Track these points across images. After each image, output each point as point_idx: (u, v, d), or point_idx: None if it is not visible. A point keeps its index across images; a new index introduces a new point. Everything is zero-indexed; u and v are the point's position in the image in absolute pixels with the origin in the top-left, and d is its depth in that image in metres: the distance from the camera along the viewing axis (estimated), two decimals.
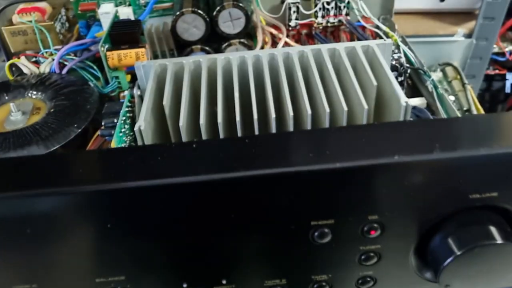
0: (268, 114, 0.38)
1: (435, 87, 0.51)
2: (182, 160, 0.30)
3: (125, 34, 0.51)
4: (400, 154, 0.29)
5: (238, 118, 0.38)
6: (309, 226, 0.31)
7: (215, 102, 0.40)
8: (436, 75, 0.69)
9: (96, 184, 0.28)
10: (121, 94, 0.53)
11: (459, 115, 0.47)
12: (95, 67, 0.54)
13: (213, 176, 0.28)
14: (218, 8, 0.53)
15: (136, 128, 0.37)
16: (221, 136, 0.38)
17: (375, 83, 0.40)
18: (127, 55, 0.50)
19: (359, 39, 0.60)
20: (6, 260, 0.32)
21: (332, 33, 0.65)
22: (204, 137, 0.38)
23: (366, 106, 0.38)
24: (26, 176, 0.30)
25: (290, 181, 0.30)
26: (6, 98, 0.50)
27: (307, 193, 0.30)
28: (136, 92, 0.46)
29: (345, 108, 0.38)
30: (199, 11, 0.53)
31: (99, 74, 0.54)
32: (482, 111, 0.60)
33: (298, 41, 0.65)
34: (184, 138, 0.38)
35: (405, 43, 0.59)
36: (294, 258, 0.33)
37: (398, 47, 0.56)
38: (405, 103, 0.37)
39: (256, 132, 0.38)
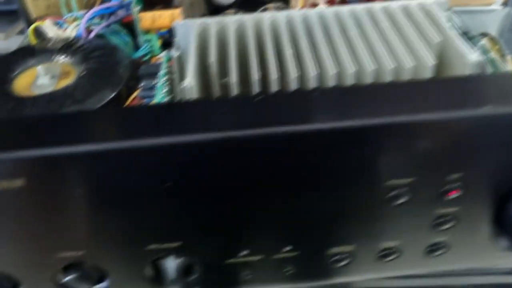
0: (327, 71, 0.36)
1: (486, 51, 0.48)
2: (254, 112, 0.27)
3: None
4: (493, 104, 0.26)
5: (293, 75, 0.35)
6: (386, 186, 0.29)
7: (265, 61, 0.38)
8: None
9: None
10: (153, 59, 0.50)
11: None
12: (123, 32, 0.51)
13: (300, 127, 0.26)
14: None
15: (184, 85, 0.35)
16: None
17: (438, 39, 0.37)
18: (161, 16, 0.47)
19: None
20: (53, 223, 0.29)
21: None
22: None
23: (432, 62, 0.35)
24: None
25: (373, 134, 0.27)
26: (32, 62, 0.47)
27: (388, 148, 0.27)
28: (175, 53, 0.43)
29: (411, 64, 0.35)
30: None
31: (128, 39, 0.51)
32: None
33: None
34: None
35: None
36: (365, 222, 0.31)
37: None
38: (474, 58, 0.34)
39: None
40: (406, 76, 0.35)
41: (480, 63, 0.35)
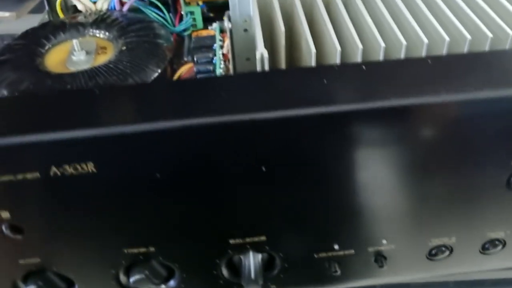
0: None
1: None
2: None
3: None
4: None
5: (382, 44, 0.30)
6: (509, 167, 0.25)
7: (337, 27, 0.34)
8: None
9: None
10: (194, 33, 0.45)
11: None
12: (160, 5, 0.46)
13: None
14: None
15: (258, 56, 0.30)
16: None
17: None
18: None
19: None
20: (122, 215, 0.25)
21: None
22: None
23: (490, 34, 0.31)
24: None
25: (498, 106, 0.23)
26: (63, 37, 0.43)
27: None
28: (228, 25, 0.38)
29: (468, 37, 0.31)
30: None
31: (164, 14, 0.47)
32: None
33: None
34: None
35: None
36: (475, 209, 0.27)
37: None
38: None
39: None
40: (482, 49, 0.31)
41: None
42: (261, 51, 0.31)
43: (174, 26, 0.47)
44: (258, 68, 0.31)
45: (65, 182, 0.23)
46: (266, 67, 0.31)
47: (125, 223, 0.25)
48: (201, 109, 0.22)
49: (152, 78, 0.37)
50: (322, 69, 0.25)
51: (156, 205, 0.24)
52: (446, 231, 0.28)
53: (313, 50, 0.30)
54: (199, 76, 0.36)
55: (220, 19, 0.43)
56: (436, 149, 0.24)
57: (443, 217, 0.27)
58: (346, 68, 0.25)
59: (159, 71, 0.38)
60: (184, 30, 0.45)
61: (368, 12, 0.34)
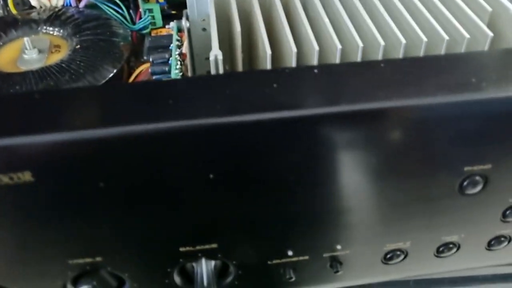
0: (372, 43, 0.31)
1: None
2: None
3: None
4: None
5: (338, 45, 0.30)
6: (461, 173, 0.25)
7: (295, 28, 0.33)
8: None
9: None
10: (153, 32, 0.44)
11: None
12: (119, 3, 0.45)
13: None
14: None
15: (212, 58, 0.29)
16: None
17: (489, 9, 0.33)
18: None
19: None
20: (65, 226, 0.24)
21: None
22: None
23: (490, 34, 0.31)
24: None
25: (456, 112, 0.23)
26: (14, 34, 0.41)
27: (470, 129, 0.23)
28: (186, 24, 0.37)
29: (467, 36, 0.31)
30: None
31: (124, 12, 0.45)
32: None
33: None
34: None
35: None
36: (429, 215, 0.27)
37: None
38: None
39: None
40: (458, 50, 0.31)
41: None
42: (215, 52, 0.30)
43: (133, 24, 0.45)
44: (212, 70, 0.30)
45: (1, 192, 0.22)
46: (221, 69, 0.30)
47: (68, 234, 0.24)
48: (144, 115, 0.21)
49: (107, 78, 0.36)
50: (274, 73, 0.25)
51: (101, 214, 0.23)
52: (401, 236, 0.28)
53: (268, 52, 0.30)
54: (154, 77, 0.35)
55: (182, 16, 0.42)
56: (389, 155, 0.24)
57: (398, 222, 0.27)
58: (298, 72, 0.25)
59: (115, 71, 0.37)
60: (143, 28, 0.43)
61: (326, 12, 0.34)
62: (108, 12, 0.44)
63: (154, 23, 0.43)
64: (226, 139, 0.22)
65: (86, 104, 0.23)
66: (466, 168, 0.25)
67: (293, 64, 0.30)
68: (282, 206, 0.25)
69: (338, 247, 0.27)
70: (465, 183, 0.25)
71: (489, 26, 0.34)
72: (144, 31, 0.44)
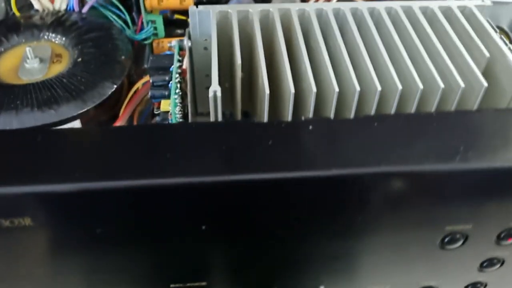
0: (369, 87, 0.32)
1: None
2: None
3: None
4: None
5: (336, 90, 0.31)
6: (443, 231, 0.26)
7: (295, 60, 0.33)
8: None
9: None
10: (155, 41, 0.44)
11: None
12: (121, 7, 0.45)
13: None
14: None
15: (211, 95, 0.30)
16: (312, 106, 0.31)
17: (487, 54, 0.34)
18: None
19: None
20: (61, 266, 0.25)
21: None
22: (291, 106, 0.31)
23: (485, 84, 0.32)
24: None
25: (436, 180, 0.24)
26: (17, 39, 0.41)
27: (454, 193, 0.24)
28: (187, 43, 0.37)
29: (462, 86, 0.31)
30: None
31: (126, 16, 0.45)
32: None
33: None
34: (266, 112, 0.31)
35: None
36: (409, 264, 0.28)
37: None
38: None
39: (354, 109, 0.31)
40: (453, 97, 0.32)
41: None
42: (214, 88, 0.30)
43: (135, 30, 0.45)
44: (211, 106, 0.31)
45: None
46: (219, 105, 0.31)
47: (64, 274, 0.25)
48: (141, 170, 0.22)
49: (107, 95, 0.37)
50: (271, 127, 0.25)
51: (96, 256, 0.25)
52: (382, 280, 0.29)
53: (267, 91, 0.30)
54: (153, 100, 0.35)
55: (185, 23, 0.42)
56: (376, 213, 0.25)
57: (381, 268, 0.29)
58: (294, 128, 0.25)
59: (115, 87, 0.37)
60: (145, 39, 0.44)
61: (327, 45, 0.34)
62: (111, 18, 0.44)
63: (156, 34, 0.44)
64: (220, 196, 0.23)
65: (85, 153, 0.23)
66: (447, 227, 0.26)
67: (291, 103, 0.31)
68: (270, 252, 0.26)
69: (322, 287, 0.29)
70: (446, 240, 0.26)
71: (486, 70, 0.35)
72: (146, 42, 0.44)
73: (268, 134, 0.24)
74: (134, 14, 0.46)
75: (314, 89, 0.31)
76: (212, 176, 0.22)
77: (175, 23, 0.47)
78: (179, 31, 0.47)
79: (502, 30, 0.63)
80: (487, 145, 0.25)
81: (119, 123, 0.37)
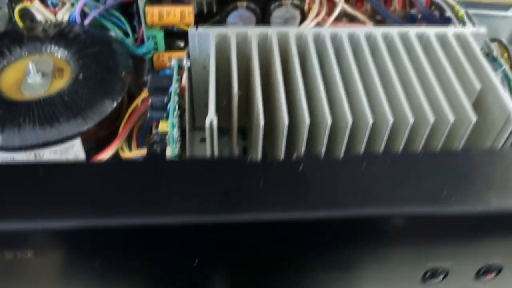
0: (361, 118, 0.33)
1: (509, 80, 0.46)
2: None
3: None
4: None
5: (329, 122, 0.31)
6: (424, 267, 0.27)
7: (292, 90, 0.34)
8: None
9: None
10: (155, 55, 0.45)
11: None
12: (122, 19, 0.46)
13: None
14: None
15: (207, 124, 0.31)
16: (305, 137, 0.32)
17: (478, 86, 0.35)
18: (170, 13, 0.42)
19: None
20: None
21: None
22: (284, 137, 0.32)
23: (474, 119, 0.32)
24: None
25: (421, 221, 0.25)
26: (20, 51, 0.42)
27: (437, 234, 0.26)
28: (186, 63, 0.38)
29: (452, 120, 0.32)
30: None
31: (126, 27, 0.46)
32: None
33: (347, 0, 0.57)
34: (260, 140, 0.32)
35: (469, 18, 0.53)
36: None
37: (463, 23, 0.51)
38: None
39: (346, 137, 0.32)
40: (443, 130, 0.33)
41: None
42: (210, 118, 0.31)
43: (136, 40, 0.46)
44: (207, 135, 0.32)
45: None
46: (215, 134, 0.32)
47: None
48: (137, 209, 0.23)
49: (108, 112, 0.38)
50: (263, 167, 0.26)
51: (95, 286, 0.26)
52: None
53: (261, 123, 0.31)
54: (152, 120, 0.36)
55: (186, 34, 0.42)
56: (361, 251, 0.26)
57: None
58: (285, 168, 0.26)
59: (115, 104, 0.38)
60: (146, 53, 0.44)
61: (322, 74, 0.35)
62: (112, 29, 0.45)
63: (156, 48, 0.44)
64: (212, 234, 0.24)
65: (83, 190, 0.25)
66: (429, 264, 0.27)
67: (284, 134, 0.32)
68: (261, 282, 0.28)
69: None
70: (427, 275, 0.28)
71: (477, 101, 0.35)
72: (148, 56, 0.45)
73: (260, 174, 0.25)
74: (135, 23, 0.47)
75: (308, 120, 0.32)
76: (205, 216, 0.23)
77: (176, 34, 0.47)
78: (179, 43, 0.48)
79: (500, 43, 0.64)
80: (469, 188, 0.26)
81: (118, 140, 0.38)
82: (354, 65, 0.35)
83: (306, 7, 0.50)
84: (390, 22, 0.54)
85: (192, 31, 0.37)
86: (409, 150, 0.33)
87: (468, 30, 0.39)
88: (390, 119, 0.32)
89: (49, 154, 0.36)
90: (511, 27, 0.64)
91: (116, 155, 0.38)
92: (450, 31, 0.39)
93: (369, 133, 0.32)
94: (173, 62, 0.39)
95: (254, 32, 0.37)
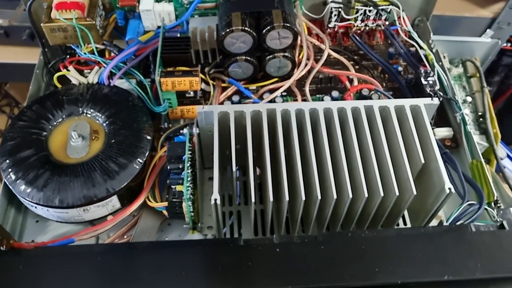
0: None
1: (464, 123, 0.55)
2: None
3: (177, 57, 0.52)
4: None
5: (319, 196, 0.42)
6: None
7: (277, 165, 0.45)
8: (457, 70, 0.72)
9: None
10: (170, 110, 0.55)
11: (482, 159, 0.52)
12: (140, 75, 0.55)
13: None
14: (268, 28, 0.53)
15: (212, 202, 0.42)
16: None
17: (422, 161, 0.45)
18: (181, 83, 0.51)
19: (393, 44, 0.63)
20: None
21: (367, 33, 0.65)
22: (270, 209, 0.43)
23: (414, 192, 0.43)
24: None
25: None
26: (61, 115, 0.52)
27: None
28: (196, 130, 0.48)
29: (397, 194, 0.43)
30: (248, 29, 0.53)
31: (145, 83, 0.55)
32: (495, 119, 0.65)
33: (334, 38, 0.65)
34: (252, 215, 0.43)
35: (438, 59, 0.61)
36: None
37: (433, 67, 0.59)
38: (448, 190, 0.42)
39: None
40: (390, 200, 0.43)
41: (450, 194, 0.42)
42: (215, 197, 0.42)
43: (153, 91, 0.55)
44: (213, 212, 0.42)
45: None
46: (219, 209, 0.42)
47: None
48: None
49: (136, 173, 0.48)
50: (250, 249, 0.38)
51: None
52: None
53: (253, 200, 0.42)
54: (172, 184, 0.47)
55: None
56: None
57: None
58: (263, 251, 0.38)
59: (142, 163, 0.49)
60: (162, 111, 0.54)
61: (301, 152, 0.45)
62: (135, 89, 0.54)
63: (171, 106, 0.54)
64: None
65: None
66: None
67: (269, 209, 0.43)
68: None
69: None
70: None
71: (421, 172, 0.45)
72: (164, 112, 0.54)
73: (248, 256, 0.37)
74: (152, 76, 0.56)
75: (287, 197, 0.42)
76: None
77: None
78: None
79: (472, 63, 0.72)
80: (398, 265, 0.37)
81: (145, 192, 0.49)
82: (326, 140, 0.45)
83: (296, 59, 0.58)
84: (370, 57, 0.63)
85: (199, 109, 0.47)
86: (363, 216, 0.44)
87: (422, 101, 0.48)
88: (350, 195, 0.42)
89: (94, 208, 0.47)
90: (486, 49, 0.71)
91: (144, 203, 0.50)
92: (407, 102, 0.48)
93: (333, 205, 0.43)
94: (185, 130, 0.49)
95: (248, 109, 0.47)
